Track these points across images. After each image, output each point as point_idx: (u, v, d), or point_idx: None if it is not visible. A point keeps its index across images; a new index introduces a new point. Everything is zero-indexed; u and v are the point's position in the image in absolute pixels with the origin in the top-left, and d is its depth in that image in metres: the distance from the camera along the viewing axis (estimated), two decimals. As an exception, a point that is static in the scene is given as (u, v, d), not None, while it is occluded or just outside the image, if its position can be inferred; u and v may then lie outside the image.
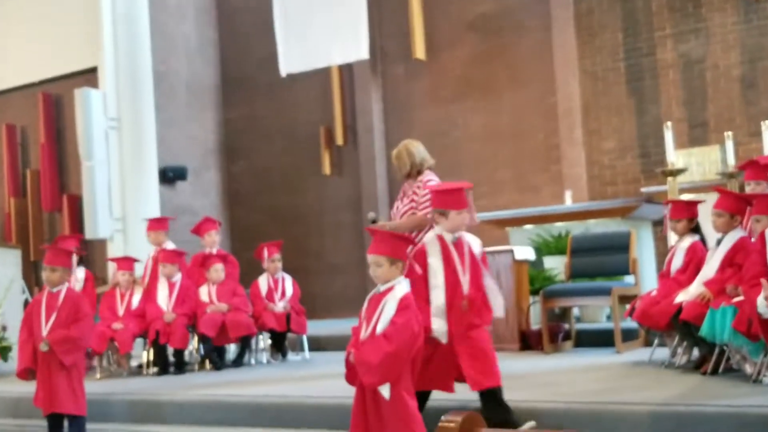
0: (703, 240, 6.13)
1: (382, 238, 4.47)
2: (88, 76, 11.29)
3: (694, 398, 4.65)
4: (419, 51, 11.41)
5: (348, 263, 12.26)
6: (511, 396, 5.03)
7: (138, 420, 6.04)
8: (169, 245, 8.19)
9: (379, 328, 4.24)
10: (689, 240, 6.10)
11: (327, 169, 12.81)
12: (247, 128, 13.43)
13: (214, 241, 8.25)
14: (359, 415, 4.27)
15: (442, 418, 1.82)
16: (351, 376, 4.32)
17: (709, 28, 10.65)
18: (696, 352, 5.72)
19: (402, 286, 4.36)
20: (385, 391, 4.16)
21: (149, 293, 7.90)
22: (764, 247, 3.89)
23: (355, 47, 10.51)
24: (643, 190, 10.23)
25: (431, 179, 6.29)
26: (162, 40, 12.02)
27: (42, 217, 12.30)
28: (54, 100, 12.18)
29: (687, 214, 6.16)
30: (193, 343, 7.84)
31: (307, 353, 8.08)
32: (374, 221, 6.39)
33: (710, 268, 5.65)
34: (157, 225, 8.33)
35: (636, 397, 4.74)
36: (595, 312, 7.98)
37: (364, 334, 4.32)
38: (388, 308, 4.28)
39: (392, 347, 4.16)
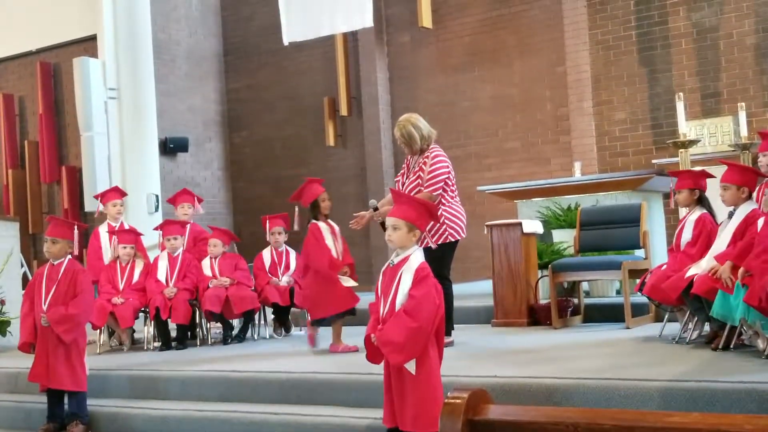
0: (711, 213, 6.11)
1: (408, 201, 4.46)
2: (87, 44, 11.26)
3: (705, 374, 4.63)
4: (425, 19, 11.32)
5: (353, 235, 12.15)
6: (518, 372, 5.05)
7: (138, 396, 6.07)
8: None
9: (398, 303, 4.24)
10: (697, 212, 6.09)
11: (331, 140, 12.78)
12: (250, 98, 13.40)
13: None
14: (389, 391, 4.31)
15: (448, 394, 1.80)
16: (373, 356, 4.33)
17: (723, -5, 10.57)
18: (707, 328, 5.72)
19: (417, 256, 4.35)
20: (411, 366, 4.17)
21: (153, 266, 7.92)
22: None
23: (360, 15, 10.43)
24: (655, 161, 10.22)
25: (438, 154, 6.27)
26: (162, 8, 11.97)
27: (41, 189, 12.32)
28: (52, 70, 12.15)
29: (687, 185, 6.15)
30: (198, 318, 7.84)
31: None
32: (376, 209, 6.36)
33: (722, 241, 5.64)
34: (181, 198, 8.46)
35: (646, 374, 4.74)
36: (604, 286, 7.96)
37: (383, 310, 4.32)
38: (405, 280, 4.28)
39: (415, 323, 4.16)
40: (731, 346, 5.35)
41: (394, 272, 4.33)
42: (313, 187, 7.04)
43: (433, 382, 4.18)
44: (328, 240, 6.77)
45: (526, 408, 1.94)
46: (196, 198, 8.51)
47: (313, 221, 6.85)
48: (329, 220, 6.94)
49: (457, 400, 1.90)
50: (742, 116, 8.45)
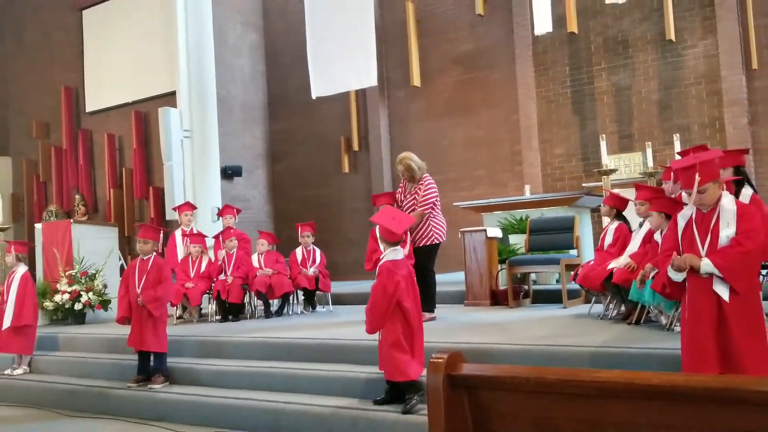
0: (627, 223, 6.10)
1: (380, 226, 4.52)
2: (168, 98, 11.26)
3: (623, 342, 4.61)
4: (416, 79, 11.35)
5: (361, 238, 12.21)
6: (484, 339, 5.02)
7: (204, 355, 6.06)
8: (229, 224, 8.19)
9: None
10: (616, 223, 6.10)
11: (346, 168, 12.78)
12: (287, 137, 13.41)
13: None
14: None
15: (432, 355, 1.78)
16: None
17: (634, 63, 10.57)
18: (623, 308, 5.69)
19: (387, 258, 4.39)
20: (377, 335, 4.31)
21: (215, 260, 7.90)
22: (676, 226, 3.83)
23: (367, 76, 10.47)
24: (584, 185, 10.21)
25: (430, 182, 6.29)
26: (223, 71, 11.99)
27: (133, 203, 12.30)
28: (143, 116, 12.16)
29: (611, 203, 6.16)
30: (248, 298, 7.81)
31: (330, 306, 8.07)
32: None
33: (634, 243, 5.62)
34: (225, 211, 8.37)
35: (578, 341, 4.71)
36: (547, 276, 7.94)
37: None
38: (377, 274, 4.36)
39: (370, 305, 4.25)
40: (641, 322, 5.33)
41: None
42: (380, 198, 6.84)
43: (392, 347, 4.23)
44: None
45: (490, 366, 1.92)
46: (235, 209, 8.45)
47: None
48: None
49: (439, 360, 1.88)
50: (649, 152, 8.45)
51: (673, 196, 5.41)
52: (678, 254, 3.69)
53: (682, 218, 3.85)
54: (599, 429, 1.70)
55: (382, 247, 6.45)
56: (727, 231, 3.62)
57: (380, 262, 4.38)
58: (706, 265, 3.52)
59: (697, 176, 3.63)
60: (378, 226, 4.57)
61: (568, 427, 1.72)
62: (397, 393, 4.37)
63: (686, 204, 3.99)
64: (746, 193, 4.67)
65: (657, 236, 5.04)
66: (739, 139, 9.43)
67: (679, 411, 1.58)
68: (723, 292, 3.46)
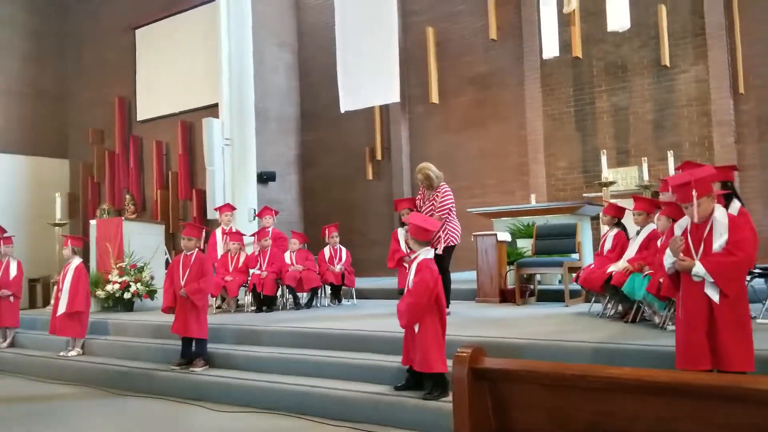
0: (625, 231, 6.05)
1: (414, 226, 4.45)
2: (211, 109, 11.32)
3: (621, 339, 4.58)
4: (434, 97, 11.32)
5: (383, 239, 12.21)
6: (495, 333, 5.00)
7: (241, 342, 6.09)
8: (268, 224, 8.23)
9: (411, 285, 4.25)
10: (615, 230, 6.05)
11: (370, 175, 12.77)
12: (317, 147, 13.45)
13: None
14: (406, 343, 4.31)
15: (457, 349, 1.79)
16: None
17: (632, 86, 10.47)
18: (620, 308, 5.65)
19: (423, 255, 4.34)
20: (415, 327, 4.17)
21: (252, 257, 7.95)
22: (672, 235, 3.81)
23: (391, 93, 10.47)
24: (585, 195, 10.11)
25: (447, 190, 6.28)
26: (261, 86, 12.04)
27: (178, 203, 12.39)
28: (188, 125, 12.25)
29: (612, 212, 6.11)
30: (280, 291, 7.84)
31: (355, 300, 8.10)
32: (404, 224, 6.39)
33: (632, 250, 5.58)
34: (264, 212, 8.39)
35: (580, 337, 4.68)
36: (551, 277, 7.89)
37: (406, 290, 4.35)
38: (412, 271, 4.29)
39: (412, 299, 4.16)
40: (637, 321, 5.29)
41: (410, 266, 4.35)
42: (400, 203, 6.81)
43: (429, 340, 4.14)
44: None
45: (511, 360, 1.92)
46: (274, 211, 8.49)
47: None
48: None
49: (464, 354, 1.88)
50: (645, 167, 8.36)
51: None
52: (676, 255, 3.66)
53: (678, 228, 3.83)
54: (609, 420, 1.70)
55: (404, 247, 6.49)
56: (719, 241, 3.60)
57: (416, 260, 4.32)
58: (699, 268, 3.49)
59: (693, 191, 3.61)
60: (408, 227, 4.53)
61: (580, 417, 1.72)
62: (417, 381, 4.35)
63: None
64: (735, 205, 4.62)
65: (661, 240, 5.01)
66: (726, 157, 9.31)
67: (683, 405, 1.58)
68: (713, 294, 3.44)
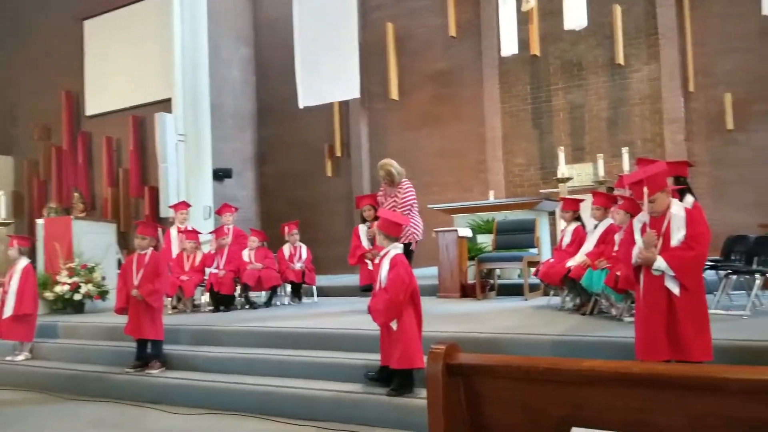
0: (583, 225, 6.16)
1: (385, 221, 4.40)
2: (164, 104, 11.04)
3: (580, 331, 4.65)
4: (394, 93, 11.35)
5: (342, 237, 12.16)
6: (458, 328, 5.01)
7: (198, 343, 5.94)
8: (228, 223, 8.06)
9: (382, 282, 4.19)
10: (574, 225, 6.15)
11: (329, 172, 12.70)
12: (275, 143, 13.29)
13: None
14: (383, 341, 4.25)
15: (431, 346, 1.77)
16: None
17: (587, 84, 10.72)
18: (578, 300, 5.75)
19: (393, 251, 4.30)
20: (393, 325, 4.12)
21: (209, 255, 7.77)
22: (632, 230, 3.90)
23: (350, 89, 10.41)
24: (542, 191, 10.30)
25: (409, 186, 6.27)
26: (216, 81, 11.82)
27: (129, 201, 12.06)
28: (140, 120, 11.91)
29: (572, 207, 6.21)
30: (238, 291, 7.70)
31: (315, 298, 8.03)
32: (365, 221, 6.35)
33: (589, 244, 5.69)
34: (223, 210, 8.19)
35: (540, 330, 4.73)
36: (510, 272, 8.00)
37: (376, 288, 4.28)
38: (384, 267, 4.25)
39: (389, 295, 4.11)
40: (594, 313, 5.39)
41: (380, 263, 4.30)
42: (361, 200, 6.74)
43: (409, 336, 4.12)
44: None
45: (484, 355, 1.91)
46: (233, 208, 8.33)
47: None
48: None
49: (438, 350, 1.86)
50: (601, 163, 8.54)
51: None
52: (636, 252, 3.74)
53: (638, 222, 3.91)
54: (583, 412, 1.70)
55: (365, 243, 6.45)
56: (677, 235, 3.69)
57: (387, 256, 4.26)
58: (660, 262, 3.57)
59: (645, 189, 3.69)
60: (378, 222, 4.47)
61: (554, 411, 1.72)
62: (387, 377, 4.31)
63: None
64: (688, 200, 4.76)
65: (618, 234, 5.12)
66: (676, 154, 9.62)
67: (656, 396, 1.59)
68: (674, 287, 3.53)
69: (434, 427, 1.84)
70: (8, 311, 6.44)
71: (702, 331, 3.48)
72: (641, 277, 3.74)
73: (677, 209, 3.78)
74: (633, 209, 4.76)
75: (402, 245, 4.46)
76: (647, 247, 3.64)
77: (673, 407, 1.58)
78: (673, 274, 3.51)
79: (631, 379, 1.61)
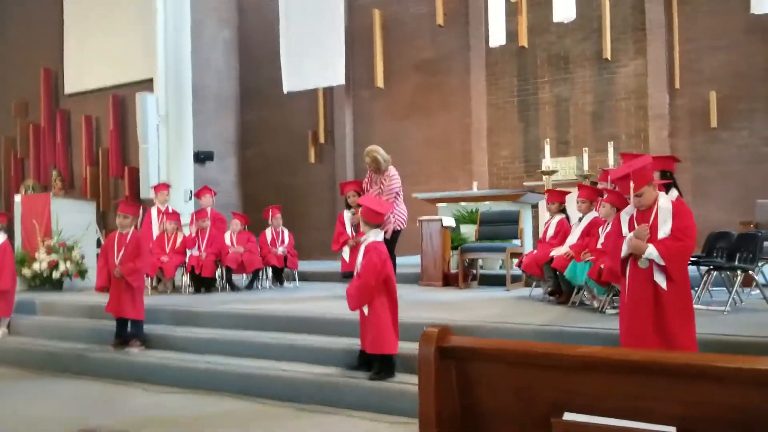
0: (567, 218, 6.19)
1: (367, 209, 4.37)
2: (146, 84, 10.81)
3: (562, 322, 4.66)
4: (379, 81, 11.27)
5: (324, 224, 12.12)
6: (438, 315, 5.02)
7: (179, 323, 5.90)
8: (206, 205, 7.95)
9: (358, 268, 4.19)
10: (558, 217, 6.18)
11: (313, 158, 12.60)
12: (258, 127, 13.13)
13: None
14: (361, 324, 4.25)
15: (425, 329, 1.74)
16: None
17: (574, 78, 10.74)
18: (550, 288, 5.78)
19: (371, 238, 4.29)
20: (365, 309, 4.11)
21: (189, 238, 7.67)
22: (619, 223, 3.91)
23: (335, 75, 10.30)
24: (525, 184, 10.32)
25: (394, 174, 6.23)
26: (198, 61, 11.60)
27: (108, 181, 11.84)
28: (120, 100, 11.66)
29: (558, 199, 6.23)
30: (219, 273, 7.62)
31: (297, 282, 7.98)
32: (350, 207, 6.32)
33: (574, 236, 5.72)
34: (203, 192, 8.07)
35: (523, 320, 4.75)
36: (492, 262, 8.02)
37: (355, 273, 4.27)
38: (360, 253, 4.24)
39: (361, 281, 4.10)
40: (576, 304, 5.43)
41: (358, 249, 4.30)
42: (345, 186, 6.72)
43: (380, 322, 4.11)
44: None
45: (477, 339, 1.89)
46: (213, 191, 8.21)
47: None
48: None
49: (431, 332, 1.84)
50: (585, 157, 8.58)
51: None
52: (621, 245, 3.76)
53: (625, 215, 3.92)
54: (576, 398, 1.69)
55: (349, 230, 6.41)
56: (664, 227, 3.70)
57: (365, 242, 4.25)
58: (651, 250, 3.57)
59: (631, 183, 3.70)
60: (360, 209, 4.44)
61: (548, 396, 1.71)
62: (368, 362, 4.31)
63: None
64: (672, 194, 4.80)
65: (603, 228, 5.15)
66: (660, 149, 9.70)
67: (651, 384, 1.59)
68: (661, 281, 3.55)
69: (425, 410, 1.82)
70: (-16, 287, 6.30)
71: (687, 324, 3.51)
72: (627, 270, 3.75)
73: (664, 202, 3.80)
74: (619, 203, 4.79)
75: (382, 232, 4.44)
76: (639, 239, 3.66)
77: (667, 395, 1.58)
78: (662, 264, 3.53)
79: (627, 366, 1.60)
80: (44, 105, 12.32)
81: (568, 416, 1.66)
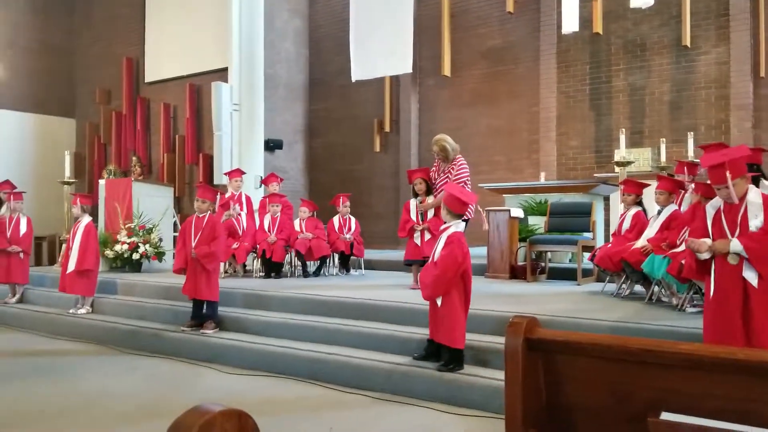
0: (644, 211, 5.93)
1: (450, 196, 4.28)
2: (221, 73, 11.09)
3: (639, 319, 4.49)
4: (446, 69, 11.10)
5: (387, 212, 12.14)
6: (506, 308, 4.91)
7: (250, 306, 6.04)
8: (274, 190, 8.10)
9: (437, 257, 4.13)
10: (635, 209, 5.92)
11: (378, 147, 12.60)
12: (325, 116, 13.25)
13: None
14: (431, 315, 4.20)
15: (511, 319, 1.68)
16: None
17: (650, 66, 10.26)
18: (635, 288, 5.56)
19: (453, 228, 4.21)
20: (438, 301, 4.06)
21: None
22: (705, 216, 3.70)
23: (403, 63, 10.23)
24: (596, 175, 9.96)
25: (463, 163, 6.14)
26: (270, 53, 11.80)
27: (184, 167, 12.25)
28: (197, 89, 12.03)
29: (635, 191, 5.97)
30: (288, 258, 7.74)
31: (363, 270, 8.02)
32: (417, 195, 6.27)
33: (652, 230, 5.47)
34: (270, 179, 8.23)
35: (598, 315, 4.59)
36: (561, 255, 7.80)
37: (431, 261, 4.22)
38: (440, 243, 4.17)
39: (438, 271, 4.04)
40: (653, 301, 5.21)
41: (438, 237, 4.23)
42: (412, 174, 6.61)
43: (453, 316, 4.05)
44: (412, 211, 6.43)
45: (568, 332, 1.81)
46: (279, 178, 8.32)
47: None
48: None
49: (519, 323, 1.77)
50: (663, 148, 8.19)
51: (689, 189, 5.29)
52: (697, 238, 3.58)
53: (711, 208, 3.71)
54: (674, 397, 1.59)
55: (415, 217, 6.36)
56: (755, 221, 3.48)
57: (446, 232, 4.18)
58: (736, 245, 3.38)
59: (728, 173, 3.48)
60: (444, 196, 4.38)
61: (645, 395, 1.62)
62: (436, 351, 4.27)
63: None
64: (762, 187, 4.50)
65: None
66: (742, 141, 9.14)
67: (761, 386, 1.47)
68: (752, 278, 3.34)
69: (511, 404, 1.76)
70: (71, 266, 6.64)
71: (777, 322, 3.29)
72: (713, 266, 3.55)
73: (754, 195, 3.57)
74: (710, 194, 4.54)
75: (464, 223, 4.36)
76: (694, 251, 3.48)
77: (777, 398, 1.46)
78: (746, 256, 3.32)
79: (735, 365, 1.49)
80: (126, 93, 12.86)
81: (666, 416, 1.57)
